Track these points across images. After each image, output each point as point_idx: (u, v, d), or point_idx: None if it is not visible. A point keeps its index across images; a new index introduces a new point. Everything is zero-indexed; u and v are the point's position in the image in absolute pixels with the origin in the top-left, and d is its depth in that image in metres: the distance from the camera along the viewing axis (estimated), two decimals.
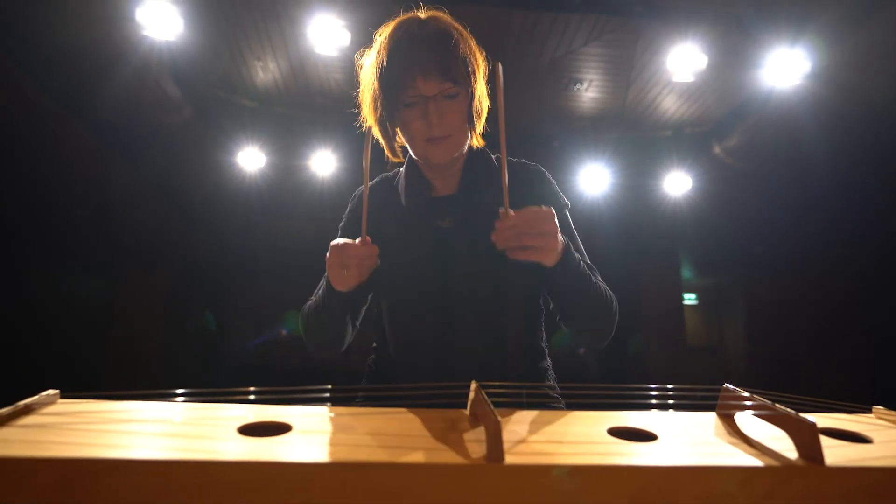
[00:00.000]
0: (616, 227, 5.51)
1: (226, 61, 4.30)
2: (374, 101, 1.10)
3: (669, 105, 4.82)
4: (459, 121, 1.08)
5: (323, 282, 1.11)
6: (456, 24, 1.08)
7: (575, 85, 4.60)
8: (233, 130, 5.04)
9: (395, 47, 1.04)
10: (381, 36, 1.08)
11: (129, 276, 5.74)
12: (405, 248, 1.14)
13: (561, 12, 3.71)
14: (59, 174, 4.67)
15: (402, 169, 1.25)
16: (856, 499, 0.62)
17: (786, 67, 3.85)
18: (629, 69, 4.35)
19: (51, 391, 0.71)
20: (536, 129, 5.15)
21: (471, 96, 1.09)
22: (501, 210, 0.90)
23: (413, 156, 1.17)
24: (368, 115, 1.15)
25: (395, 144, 1.19)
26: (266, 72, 4.45)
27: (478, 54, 1.10)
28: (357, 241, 1.01)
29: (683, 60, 3.98)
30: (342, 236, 1.23)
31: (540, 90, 4.65)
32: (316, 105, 4.93)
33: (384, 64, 1.04)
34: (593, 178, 5.36)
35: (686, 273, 6.78)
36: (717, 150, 5.16)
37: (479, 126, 1.14)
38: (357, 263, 0.99)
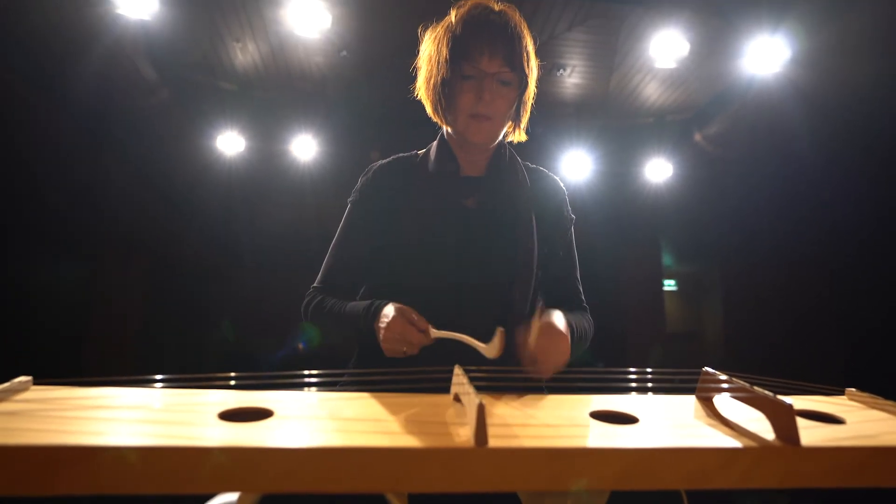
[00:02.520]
0: (598, 214, 5.54)
1: (204, 42, 4.21)
2: (435, 67, 1.16)
3: (652, 92, 4.83)
4: (505, 108, 1.15)
5: (361, 314, 1.08)
6: (524, 24, 1.18)
7: (558, 70, 4.59)
8: (212, 114, 4.95)
9: (471, 22, 1.13)
10: (458, 10, 1.16)
11: (107, 263, 5.64)
12: (429, 222, 1.16)
13: None
14: (32, 159, 4.55)
15: (430, 146, 1.29)
16: (830, 477, 0.63)
17: (767, 55, 3.88)
18: (612, 55, 4.35)
19: (23, 378, 0.70)
20: None
21: (522, 89, 1.17)
22: (521, 341, 0.99)
23: (449, 132, 1.23)
24: (423, 83, 1.21)
25: (440, 112, 1.22)
26: (245, 54, 4.37)
27: (535, 57, 1.20)
28: (418, 322, 0.99)
29: (666, 47, 4.00)
30: (353, 212, 1.26)
31: None
32: (297, 89, 4.86)
33: (457, 32, 1.12)
34: (575, 165, 5.37)
35: (666, 259, 6.86)
36: (698, 137, 5.20)
37: (523, 122, 1.24)
38: (415, 347, 0.98)
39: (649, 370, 0.85)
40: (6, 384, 0.67)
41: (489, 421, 0.60)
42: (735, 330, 6.09)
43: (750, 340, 5.65)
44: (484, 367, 0.77)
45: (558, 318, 1.02)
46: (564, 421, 0.70)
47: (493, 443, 0.58)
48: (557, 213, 1.29)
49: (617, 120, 5.31)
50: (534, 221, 1.22)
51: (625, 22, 3.95)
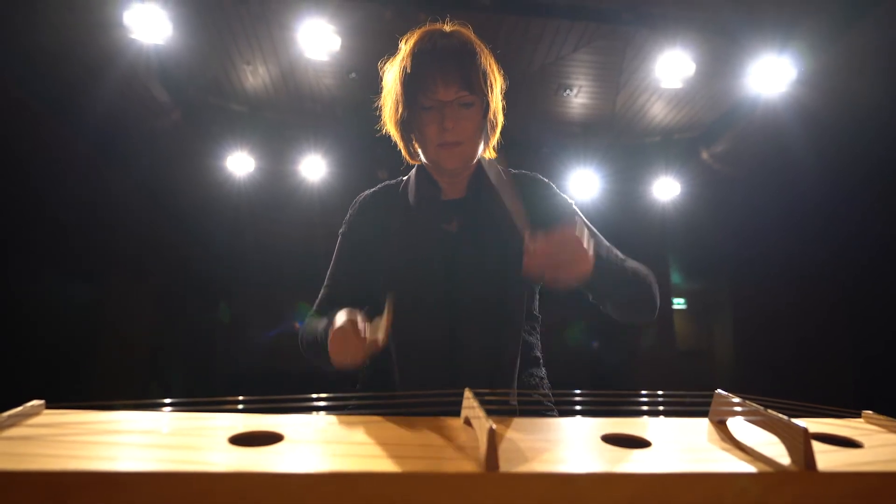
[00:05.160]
0: (605, 233, 5.54)
1: (215, 65, 4.28)
2: (395, 103, 1.14)
3: (658, 111, 4.85)
4: (472, 129, 1.12)
5: (321, 333, 1.04)
6: (478, 40, 1.14)
7: (564, 91, 4.62)
8: (222, 135, 5.01)
9: (419, 53, 1.09)
10: (407, 43, 1.13)
11: (118, 282, 5.68)
12: (411, 250, 1.15)
13: (550, 19, 3.74)
14: (47, 179, 4.62)
15: (410, 173, 1.28)
16: None
17: (773, 74, 3.90)
18: (618, 75, 4.38)
19: (36, 402, 0.70)
20: (526, 134, 5.17)
21: (486, 108, 1.13)
22: (526, 234, 0.88)
23: (424, 160, 1.20)
24: (388, 119, 1.19)
25: (412, 147, 1.21)
26: (256, 76, 4.43)
27: (496, 70, 1.16)
28: (359, 325, 0.92)
29: (672, 67, 4.02)
30: (343, 243, 1.26)
31: (530, 96, 4.67)
32: (306, 110, 4.92)
33: (407, 69, 1.09)
34: (583, 184, 5.38)
35: (675, 278, 6.82)
36: (705, 155, 5.21)
37: (493, 139, 1.20)
38: (361, 356, 0.92)
39: (661, 392, 0.84)
40: (19, 409, 0.67)
41: (500, 445, 0.60)
42: (745, 348, 6.02)
43: (761, 358, 5.59)
44: (495, 391, 0.76)
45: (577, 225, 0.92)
46: (576, 445, 0.69)
47: (504, 467, 0.58)
48: (549, 203, 1.23)
49: (624, 139, 5.33)
50: (525, 230, 1.19)
51: (630, 43, 3.98)
